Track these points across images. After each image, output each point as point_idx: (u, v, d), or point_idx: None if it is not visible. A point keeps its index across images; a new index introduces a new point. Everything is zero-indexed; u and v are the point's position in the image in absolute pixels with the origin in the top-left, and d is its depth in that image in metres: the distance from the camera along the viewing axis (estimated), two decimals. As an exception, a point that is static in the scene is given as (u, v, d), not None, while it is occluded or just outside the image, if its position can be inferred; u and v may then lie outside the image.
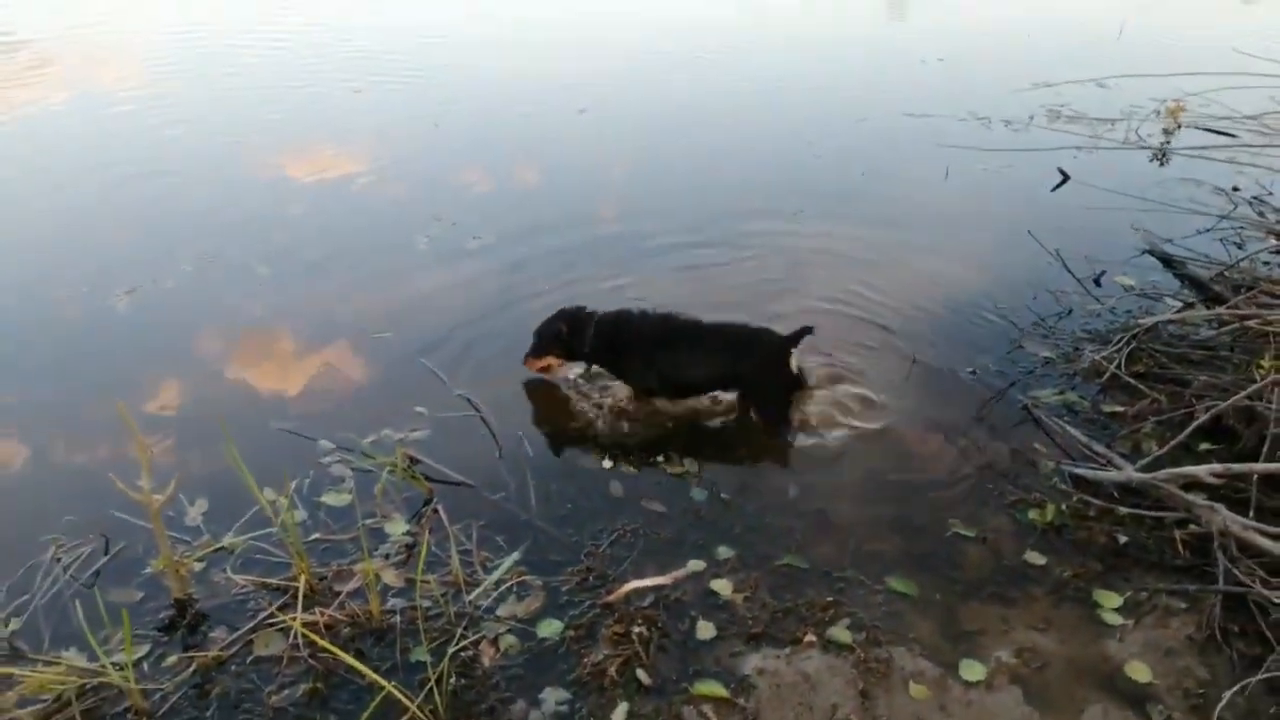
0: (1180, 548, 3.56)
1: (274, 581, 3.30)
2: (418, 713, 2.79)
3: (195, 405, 4.33)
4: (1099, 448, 4.03)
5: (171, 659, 3.02)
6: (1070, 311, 5.23)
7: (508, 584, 3.32)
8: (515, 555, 3.41)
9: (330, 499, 3.76)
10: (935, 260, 5.86)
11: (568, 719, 2.88)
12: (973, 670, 3.06)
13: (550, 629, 3.17)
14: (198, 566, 3.33)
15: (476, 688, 2.96)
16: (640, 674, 3.01)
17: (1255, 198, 6.79)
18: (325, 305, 5.17)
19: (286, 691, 2.93)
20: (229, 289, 5.32)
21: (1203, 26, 13.37)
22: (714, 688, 2.97)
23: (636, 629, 3.15)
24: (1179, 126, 8.20)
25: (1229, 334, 4.72)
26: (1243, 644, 3.19)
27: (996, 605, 3.34)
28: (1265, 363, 4.09)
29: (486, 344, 4.78)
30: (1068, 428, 4.17)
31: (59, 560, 3.39)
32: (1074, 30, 12.79)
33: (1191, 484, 3.65)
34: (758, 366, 4.19)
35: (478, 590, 3.27)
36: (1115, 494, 3.81)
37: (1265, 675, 2.99)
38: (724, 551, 3.52)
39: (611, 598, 3.26)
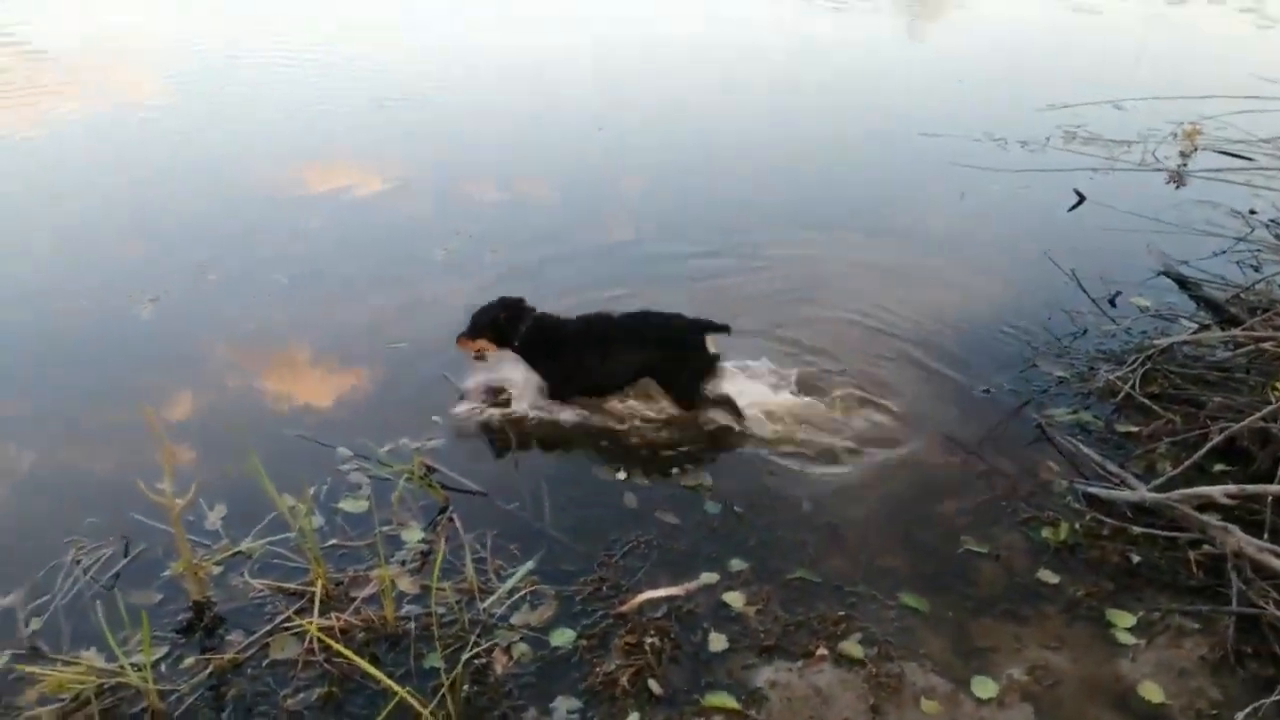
0: (1194, 568, 3.56)
1: (291, 586, 3.33)
2: (430, 718, 2.81)
3: (215, 412, 4.38)
4: (1113, 467, 4.03)
5: (189, 661, 3.06)
6: (1085, 331, 5.24)
7: (521, 593, 3.34)
8: (529, 564, 3.44)
9: (347, 506, 3.79)
10: (950, 279, 5.88)
11: (579, 728, 2.90)
12: (985, 687, 3.07)
13: (563, 638, 3.19)
14: (216, 570, 3.37)
15: (489, 695, 2.99)
16: (652, 684, 3.02)
17: (1272, 220, 6.80)
18: (344, 315, 5.22)
19: (302, 695, 2.96)
20: (250, 298, 5.38)
21: (1219, 50, 13.38)
22: (725, 699, 2.99)
23: (649, 639, 3.17)
24: (1195, 149, 8.21)
25: (1244, 356, 4.71)
26: (1256, 665, 3.18)
27: (1009, 623, 3.34)
28: (1281, 385, 4.09)
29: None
30: (1081, 447, 4.17)
31: (79, 562, 3.43)
32: (1091, 52, 12.81)
33: (1206, 505, 3.66)
34: (675, 353, 4.35)
35: (492, 598, 3.30)
36: (1129, 513, 3.81)
37: (1278, 697, 2.98)
38: (737, 564, 3.53)
39: (625, 608, 3.28)
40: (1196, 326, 5.27)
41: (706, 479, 3.98)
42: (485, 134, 8.69)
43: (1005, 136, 8.52)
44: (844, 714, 2.97)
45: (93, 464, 4.00)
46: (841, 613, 3.33)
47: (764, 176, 7.81)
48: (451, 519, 3.68)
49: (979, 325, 5.27)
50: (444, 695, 2.87)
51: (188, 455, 4.01)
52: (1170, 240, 6.27)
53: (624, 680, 3.03)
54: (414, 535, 3.63)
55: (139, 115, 8.74)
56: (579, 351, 4.41)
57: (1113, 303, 5.55)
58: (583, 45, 12.53)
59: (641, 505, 3.82)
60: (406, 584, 3.37)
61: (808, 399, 4.49)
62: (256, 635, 3.14)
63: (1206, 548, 3.59)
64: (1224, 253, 6.20)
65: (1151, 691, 3.07)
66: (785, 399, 4.48)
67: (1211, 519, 3.59)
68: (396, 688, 2.79)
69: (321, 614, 3.16)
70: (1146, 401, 4.49)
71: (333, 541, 3.58)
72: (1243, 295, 5.33)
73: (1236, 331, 4.78)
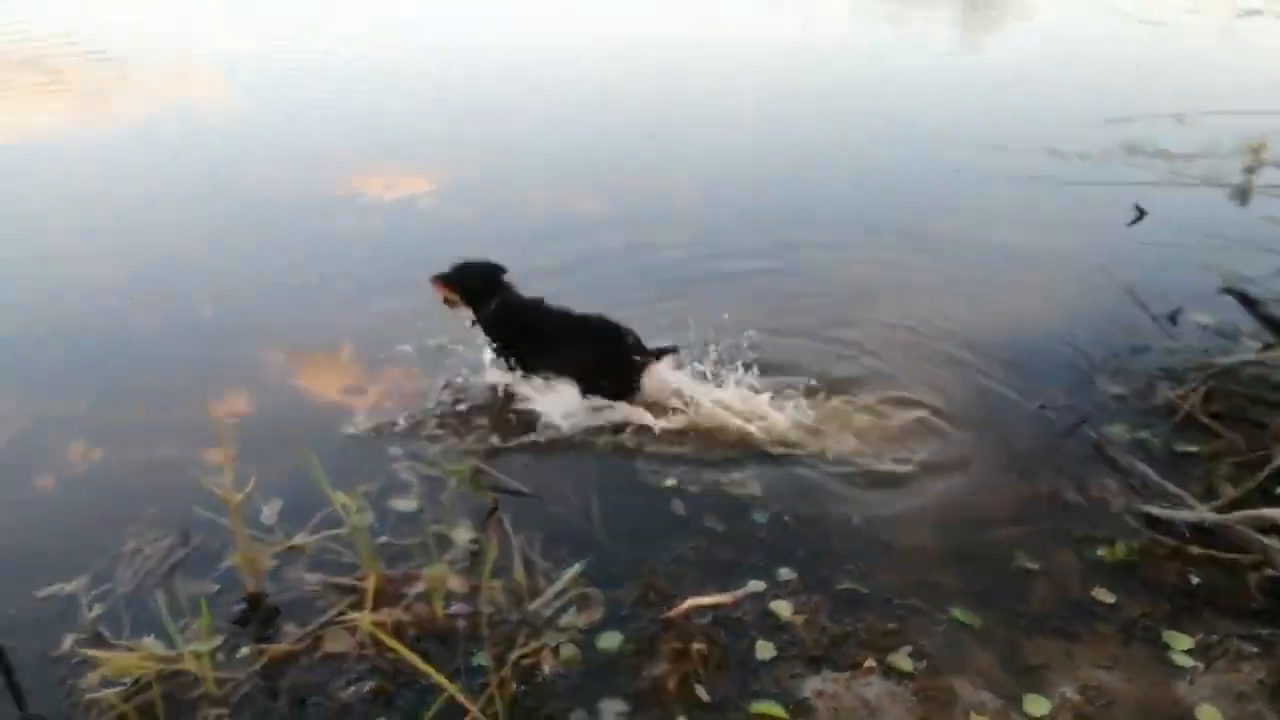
0: (1255, 592, 3.48)
1: (344, 581, 3.39)
2: (479, 715, 2.84)
3: (271, 410, 4.47)
4: (1171, 487, 3.95)
5: (244, 650, 3.12)
6: (1145, 348, 5.14)
7: (569, 595, 3.36)
8: (577, 566, 3.45)
9: (398, 504, 3.85)
10: (1005, 292, 5.82)
11: (625, 730, 2.91)
12: (1037, 705, 3.02)
13: (610, 641, 3.20)
14: (272, 563, 3.43)
15: (536, 695, 3.01)
16: (699, 690, 3.02)
17: (1340, 239, 6.61)
18: (398, 317, 5.29)
19: (353, 688, 3.01)
20: (306, 300, 5.49)
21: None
22: (773, 708, 2.97)
23: (696, 646, 3.16)
24: (1260, 164, 8.01)
25: (1310, 377, 4.60)
26: (1319, 692, 3.10)
27: (1062, 641, 3.29)
28: (1349, 406, 3.98)
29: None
30: (1139, 465, 4.10)
31: (140, 551, 3.53)
32: (1155, 65, 12.58)
33: (1268, 527, 3.57)
34: (610, 367, 4.49)
35: (539, 600, 3.32)
36: (1188, 534, 3.72)
37: (1344, 726, 2.90)
38: (785, 573, 3.52)
39: (672, 613, 3.28)
40: (1260, 345, 5.14)
41: (755, 489, 3.97)
42: (530, 138, 8.77)
43: (1064, 149, 8.39)
44: (892, 727, 2.94)
45: (153, 457, 4.11)
46: (891, 625, 3.30)
47: (815, 185, 7.79)
48: (500, 520, 3.72)
49: (1035, 339, 5.20)
50: (492, 694, 2.89)
51: (245, 450, 4.08)
52: (1234, 257, 6.12)
53: (671, 685, 3.03)
54: (463, 535, 3.67)
55: (196, 117, 8.97)
56: (531, 342, 4.59)
57: (1173, 320, 5.43)
58: (633, 50, 12.61)
59: (689, 512, 3.83)
60: (456, 582, 3.41)
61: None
62: (310, 628, 3.20)
63: (1268, 571, 3.50)
64: (1289, 271, 6.05)
65: (1209, 715, 3.00)
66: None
67: (1273, 541, 3.50)
68: (447, 684, 2.83)
69: (374, 609, 3.21)
70: (1207, 421, 4.39)
71: (384, 539, 3.63)
72: (1309, 315, 5.19)
73: (1303, 351, 4.67)
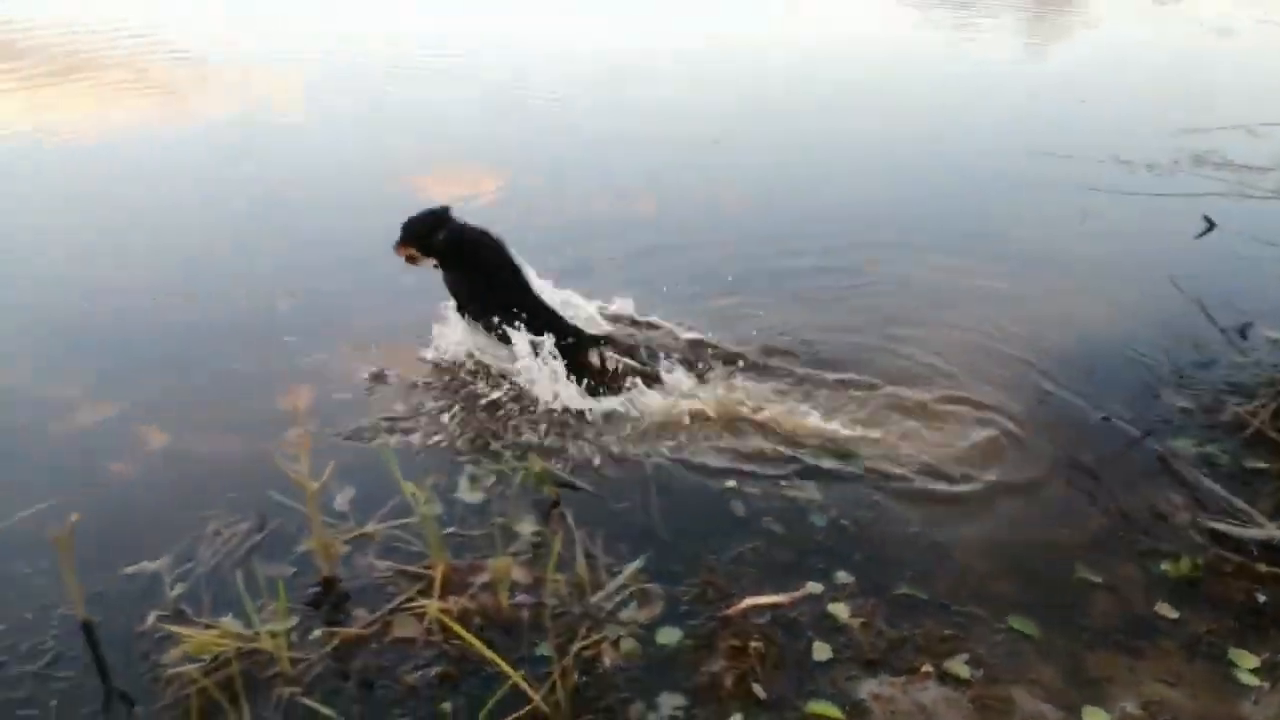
0: (1325, 612, 3.42)
1: (412, 569, 3.49)
2: (541, 704, 2.92)
3: (344, 401, 4.59)
4: (1239, 503, 3.89)
5: (317, 632, 3.24)
6: (1212, 362, 5.06)
7: (629, 590, 3.42)
8: (638, 562, 3.52)
9: (464, 495, 3.95)
10: (1069, 302, 5.76)
11: (684, 724, 2.96)
12: (1096, 718, 3.01)
13: (669, 637, 3.26)
14: (344, 549, 3.55)
15: (597, 686, 3.07)
16: (756, 688, 3.06)
17: None
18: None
19: (420, 673, 3.10)
20: (377, 295, 5.62)
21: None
22: (829, 709, 3.00)
23: (753, 644, 3.21)
24: (1337, 177, 7.81)
25: (1387, 395, 4.49)
26: (1390, 716, 3.04)
27: (1124, 655, 3.27)
28: None
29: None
30: (1206, 481, 4.04)
31: (219, 533, 3.67)
32: (1226, 75, 12.31)
33: (1340, 547, 3.51)
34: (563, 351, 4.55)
35: (601, 593, 3.39)
36: (1255, 552, 3.67)
37: None
38: (842, 577, 3.54)
39: (730, 612, 3.33)
40: (1334, 362, 5.04)
41: (814, 492, 3.99)
42: (596, 142, 8.86)
43: (1131, 159, 8.26)
44: (949, 733, 2.96)
45: (232, 445, 4.25)
46: (948, 632, 3.31)
47: (877, 193, 7.77)
48: (563, 514, 3.80)
49: (1098, 350, 5.15)
50: (555, 683, 2.97)
51: (319, 440, 4.22)
52: (1307, 271, 6.01)
53: (728, 682, 3.08)
54: (527, 528, 3.76)
55: (278, 118, 9.22)
56: (487, 271, 4.65)
57: (1243, 334, 5.34)
58: (699, 54, 12.66)
59: (748, 513, 3.87)
60: (520, 574, 3.49)
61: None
62: (380, 613, 3.30)
63: (1340, 592, 3.45)
64: (1365, 286, 5.91)
65: (1275, 735, 2.98)
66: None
67: (1346, 562, 3.45)
68: (511, 672, 2.92)
69: (441, 597, 3.31)
70: (1277, 437, 4.32)
71: (451, 529, 3.72)
72: (1386, 332, 5.08)
73: (1379, 369, 4.56)
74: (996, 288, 5.90)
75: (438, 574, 3.38)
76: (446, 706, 2.98)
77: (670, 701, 3.03)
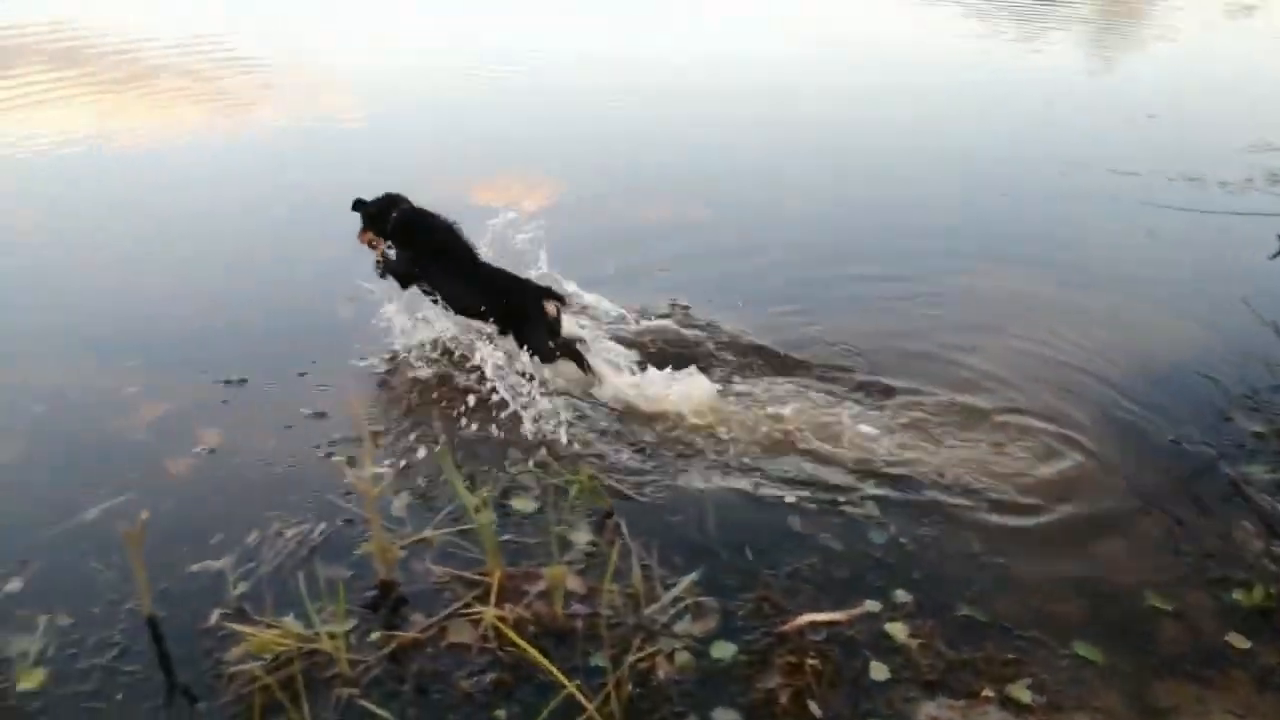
0: None
1: (468, 575, 3.51)
2: (595, 715, 2.91)
3: (403, 407, 4.65)
4: (1316, 532, 3.77)
5: (375, 635, 3.27)
6: (1288, 386, 4.92)
7: (685, 602, 3.40)
8: (693, 575, 3.50)
9: (518, 504, 3.97)
10: (1137, 320, 5.66)
11: (738, 740, 2.94)
12: (1164, 748, 2.93)
13: (724, 651, 3.24)
14: (401, 554, 3.58)
15: (651, 699, 3.06)
16: (811, 705, 3.03)
17: None
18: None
19: (475, 678, 3.12)
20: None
21: None
22: (886, 729, 2.96)
23: (810, 661, 3.17)
24: None
25: None
26: None
27: (1192, 685, 3.17)
28: None
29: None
30: (1281, 507, 3.92)
31: (282, 535, 3.72)
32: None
33: None
34: (517, 309, 4.78)
35: (655, 605, 3.37)
36: (1333, 582, 3.55)
37: None
38: (901, 596, 3.49)
39: (787, 628, 3.30)
40: None
41: (873, 508, 3.94)
42: (650, 152, 8.88)
43: (1202, 176, 8.07)
44: (1010, 759, 2.89)
45: (293, 446, 4.32)
46: (1010, 655, 3.24)
47: (941, 205, 7.69)
48: (618, 525, 3.79)
49: (1166, 371, 5.03)
50: (609, 694, 2.96)
51: (380, 444, 4.28)
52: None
53: (783, 699, 3.05)
54: (582, 537, 3.76)
55: (330, 127, 9.40)
56: (436, 246, 4.86)
57: (1318, 357, 5.17)
58: (755, 63, 12.66)
59: (806, 529, 3.83)
60: (574, 583, 3.49)
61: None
62: (437, 618, 3.32)
63: None
64: None
65: (1354, 774, 2.86)
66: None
67: None
68: (566, 682, 2.92)
69: (497, 604, 3.32)
70: (1356, 464, 4.18)
71: (506, 537, 3.74)
72: None
73: None
74: (1063, 304, 5.80)
75: (494, 581, 3.40)
76: (501, 714, 2.99)
77: (725, 717, 3.01)
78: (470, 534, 3.63)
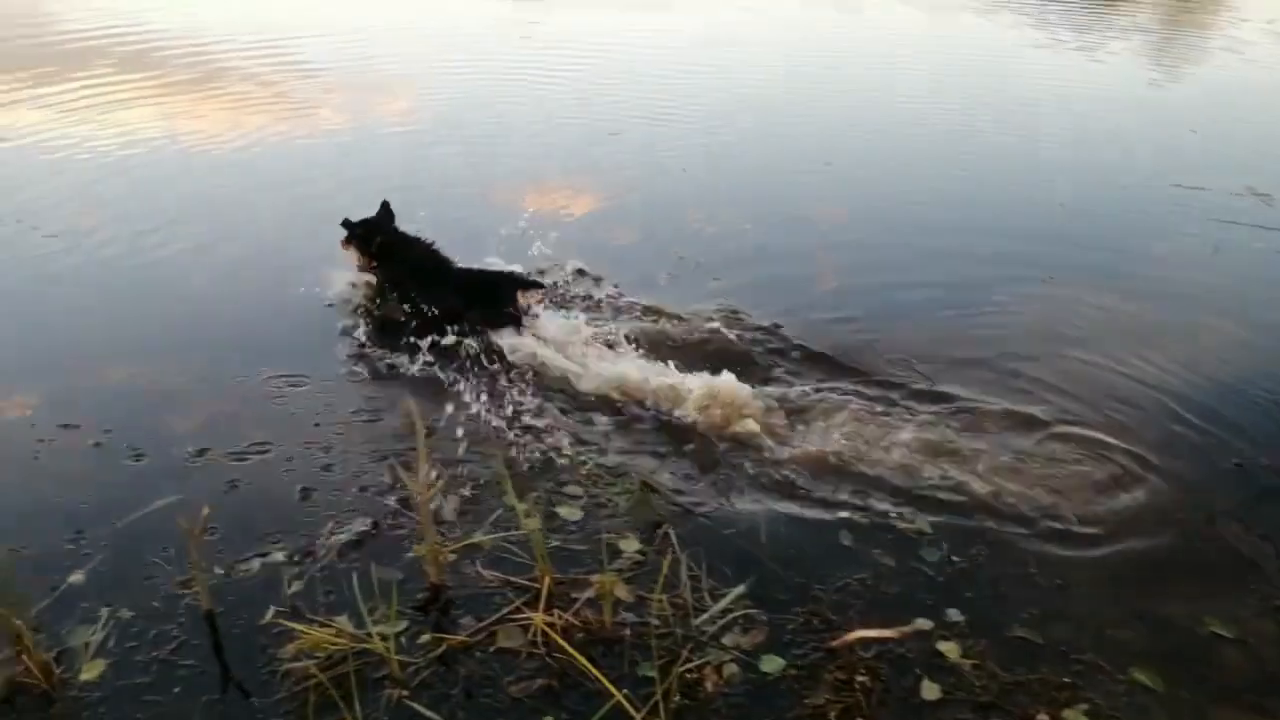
0: None
1: (518, 580, 3.53)
2: (643, 724, 2.91)
3: (457, 412, 4.67)
4: (1389, 561, 3.65)
5: (425, 637, 3.29)
6: (1361, 410, 4.77)
7: (733, 614, 3.39)
8: (742, 587, 3.47)
9: (565, 511, 3.97)
10: (1202, 339, 5.52)
11: (787, 756, 2.92)
12: (1225, 779, 2.85)
13: (772, 664, 3.21)
14: (452, 557, 3.61)
15: (698, 710, 3.05)
16: (861, 723, 3.00)
17: None
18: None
19: (524, 684, 3.13)
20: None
21: None
22: (938, 750, 2.92)
23: (860, 678, 3.14)
24: None
25: None
26: None
27: (1254, 714, 3.10)
28: None
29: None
30: (1350, 535, 3.80)
31: (334, 534, 3.77)
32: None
33: None
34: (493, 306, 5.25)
35: (704, 616, 3.36)
36: (1406, 615, 3.44)
37: None
38: (953, 614, 3.44)
39: (837, 643, 3.26)
40: None
41: (926, 525, 3.89)
42: (703, 160, 8.88)
43: (1269, 192, 7.87)
44: (1065, 785, 2.83)
45: (351, 448, 4.36)
46: (1065, 679, 3.18)
47: (1000, 218, 7.58)
48: (668, 534, 3.79)
49: (1233, 391, 4.90)
50: (657, 704, 2.96)
51: (433, 447, 4.31)
52: None
53: (833, 716, 3.02)
54: (631, 545, 3.76)
55: (386, 131, 9.52)
56: (415, 261, 5.45)
57: (1390, 380, 5.02)
58: (813, 74, 12.60)
59: (857, 544, 3.79)
60: (624, 592, 3.49)
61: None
62: (486, 622, 3.34)
63: None
64: None
65: None
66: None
67: None
68: (614, 690, 2.92)
69: (546, 610, 3.33)
70: None
71: (554, 543, 3.75)
72: None
73: None
74: (1126, 320, 5.71)
75: (544, 587, 3.41)
76: (549, 720, 3.00)
77: (772, 731, 2.99)
78: (519, 539, 3.65)
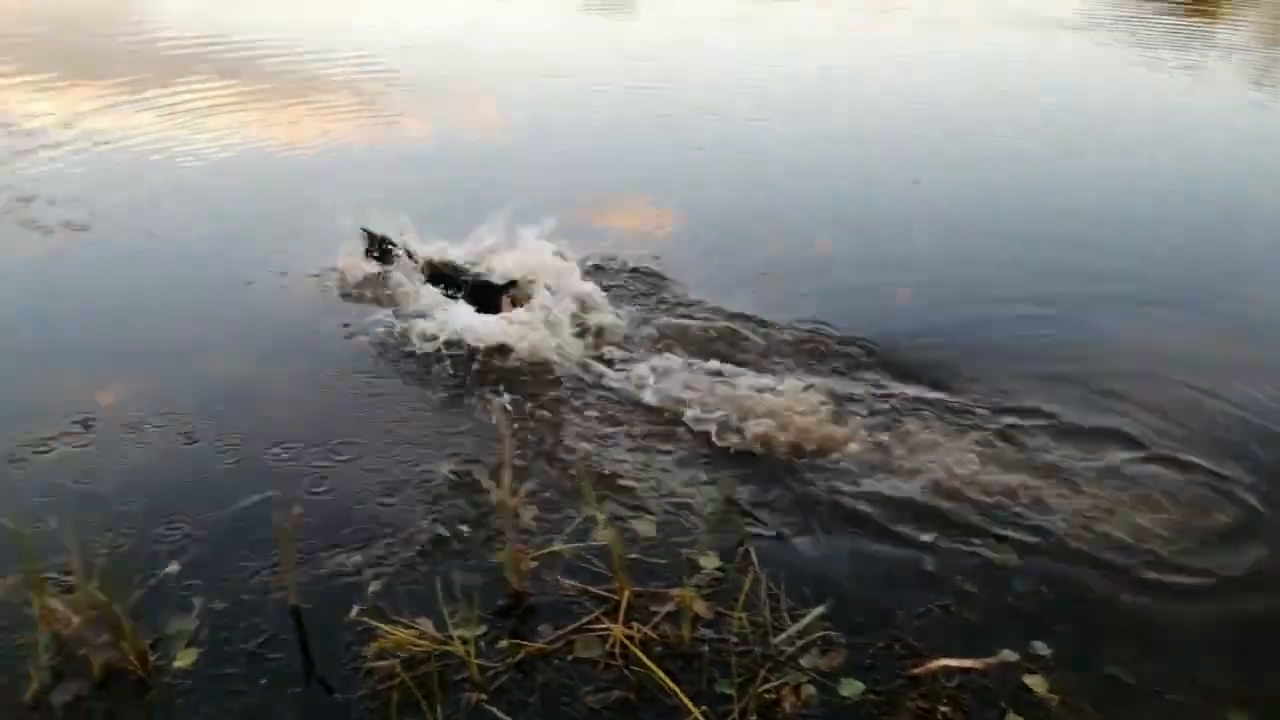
0: None
1: (597, 590, 3.54)
2: (720, 742, 2.89)
3: (543, 419, 4.73)
4: None
5: (503, 643, 3.32)
6: None
7: (813, 635, 3.35)
8: (821, 608, 3.43)
9: (642, 526, 3.96)
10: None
11: (866, 783, 2.87)
12: (1331, 836, 2.71)
13: (852, 689, 3.16)
14: (532, 565, 3.64)
15: (776, 731, 3.02)
16: (944, 754, 2.93)
17: None
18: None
19: (601, 695, 3.13)
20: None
21: None
22: (1023, 787, 2.84)
23: (942, 708, 3.07)
24: None
25: None
26: None
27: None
28: None
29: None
30: None
31: (417, 538, 3.83)
32: None
33: None
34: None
35: (783, 635, 3.33)
36: None
37: None
38: (1040, 648, 3.34)
39: (919, 671, 3.20)
40: None
41: (1013, 555, 3.80)
42: (789, 179, 8.84)
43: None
44: (1159, 831, 2.73)
45: (437, 453, 4.43)
46: (1159, 721, 3.08)
47: (1094, 242, 7.41)
48: (748, 552, 3.76)
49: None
50: (734, 722, 2.94)
51: (518, 454, 4.35)
52: None
53: (914, 745, 2.96)
54: (710, 562, 3.74)
55: (462, 138, 9.71)
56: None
57: None
58: (899, 89, 12.48)
59: (941, 571, 3.71)
60: (702, 608, 3.47)
61: None
62: (565, 631, 3.36)
63: None
64: None
65: None
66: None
67: None
68: (692, 707, 2.90)
69: (624, 622, 3.34)
70: None
71: (633, 555, 3.75)
72: None
73: None
74: (1225, 350, 5.51)
75: (623, 599, 3.41)
76: (625, 732, 3.00)
77: (852, 757, 2.94)
78: (597, 549, 3.66)
